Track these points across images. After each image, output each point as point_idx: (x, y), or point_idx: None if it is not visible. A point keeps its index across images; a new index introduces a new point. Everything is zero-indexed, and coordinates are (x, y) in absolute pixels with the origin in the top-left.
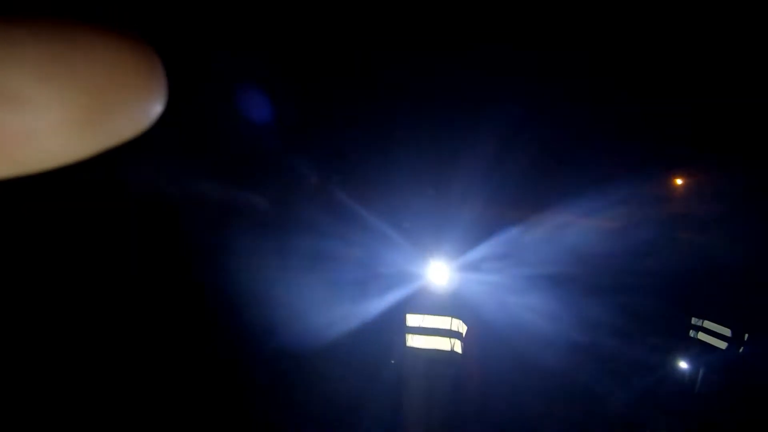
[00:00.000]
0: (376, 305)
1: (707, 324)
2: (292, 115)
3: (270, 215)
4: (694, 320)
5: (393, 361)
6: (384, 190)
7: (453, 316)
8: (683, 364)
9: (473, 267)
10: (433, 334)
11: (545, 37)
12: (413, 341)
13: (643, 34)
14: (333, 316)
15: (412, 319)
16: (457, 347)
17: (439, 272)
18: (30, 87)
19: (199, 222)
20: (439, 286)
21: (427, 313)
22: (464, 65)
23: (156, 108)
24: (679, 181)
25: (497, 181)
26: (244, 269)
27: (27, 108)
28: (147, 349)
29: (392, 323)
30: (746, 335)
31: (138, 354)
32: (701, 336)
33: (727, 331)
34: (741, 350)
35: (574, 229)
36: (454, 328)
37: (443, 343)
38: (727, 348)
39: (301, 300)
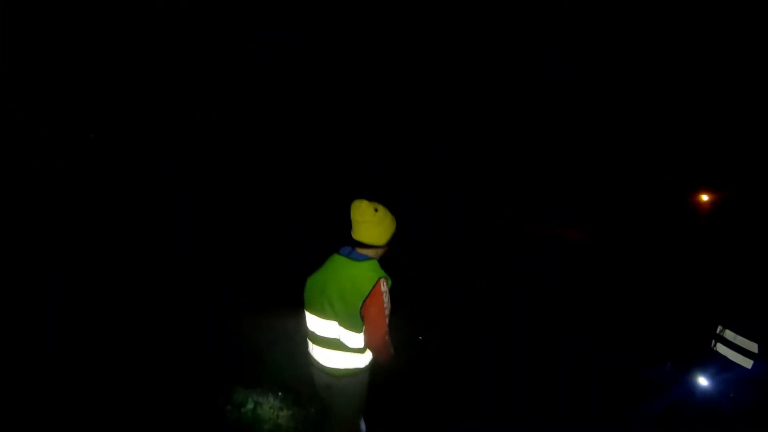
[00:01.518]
0: None
1: (728, 334)
2: None
3: None
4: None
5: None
6: None
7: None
8: (702, 381)
9: None
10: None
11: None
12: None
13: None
14: None
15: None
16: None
17: None
18: None
19: None
20: None
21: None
22: None
23: None
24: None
25: None
26: None
27: None
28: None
29: None
30: None
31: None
32: (720, 348)
33: (754, 346)
34: None
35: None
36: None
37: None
38: (754, 366)
39: None
